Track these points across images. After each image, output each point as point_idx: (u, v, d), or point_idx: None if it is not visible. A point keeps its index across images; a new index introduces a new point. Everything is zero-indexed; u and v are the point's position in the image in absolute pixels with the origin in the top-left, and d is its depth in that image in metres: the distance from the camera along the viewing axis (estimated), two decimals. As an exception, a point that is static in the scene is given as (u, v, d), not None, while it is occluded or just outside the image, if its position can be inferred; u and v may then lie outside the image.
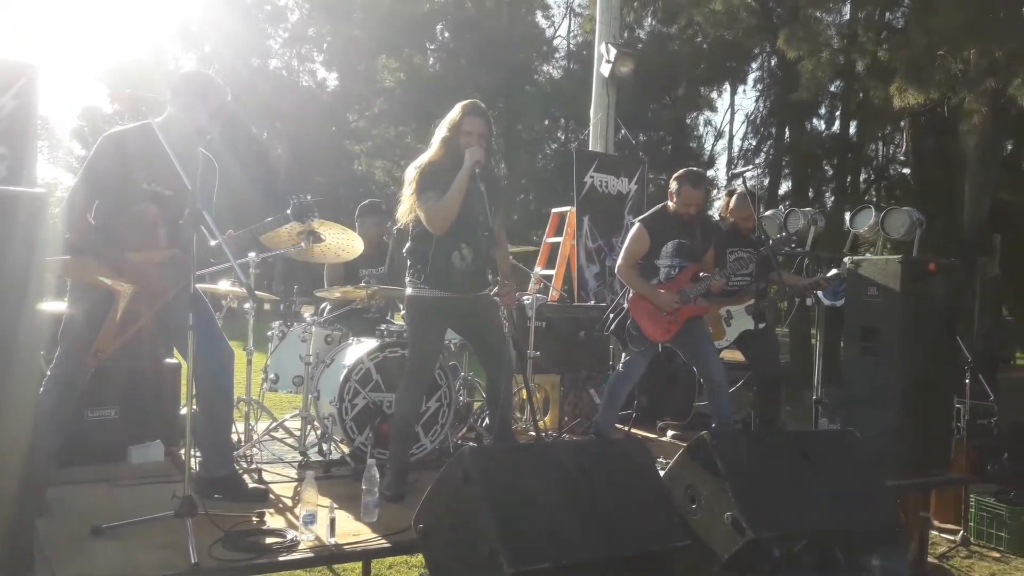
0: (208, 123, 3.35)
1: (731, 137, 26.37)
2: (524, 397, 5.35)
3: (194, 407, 3.28)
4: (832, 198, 17.38)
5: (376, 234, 5.28)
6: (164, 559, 2.75)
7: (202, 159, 3.46)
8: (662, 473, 3.14)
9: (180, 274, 3.16)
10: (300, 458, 4.26)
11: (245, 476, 3.75)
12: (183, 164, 3.15)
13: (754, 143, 21.48)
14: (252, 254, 4.28)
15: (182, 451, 3.64)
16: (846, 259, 4.81)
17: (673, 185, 4.65)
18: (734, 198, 5.24)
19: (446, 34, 27.15)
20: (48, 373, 3.20)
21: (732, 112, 28.07)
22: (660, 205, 4.80)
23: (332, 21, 27.90)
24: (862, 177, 18.37)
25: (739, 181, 5.12)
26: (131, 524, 3.01)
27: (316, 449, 4.36)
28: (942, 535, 5.32)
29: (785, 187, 18.72)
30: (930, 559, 4.72)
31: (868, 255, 5.17)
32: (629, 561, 2.73)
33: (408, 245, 3.86)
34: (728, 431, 4.48)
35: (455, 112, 3.75)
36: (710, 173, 22.36)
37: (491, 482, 2.54)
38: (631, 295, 4.67)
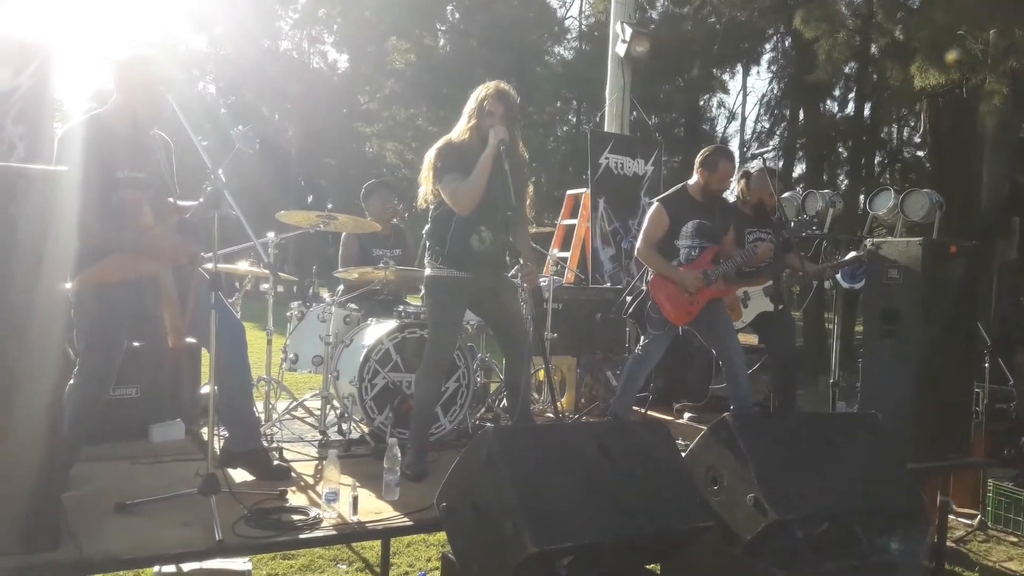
0: (149, 107, 3.28)
1: (744, 119, 26.20)
2: (542, 379, 5.36)
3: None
4: (846, 181, 17.27)
5: (386, 212, 5.28)
6: (189, 536, 2.76)
7: (159, 140, 3.44)
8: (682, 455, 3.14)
9: (196, 234, 3.18)
10: (320, 437, 4.27)
11: (270, 454, 3.76)
12: (141, 148, 3.16)
13: (768, 125, 21.33)
14: (271, 234, 4.29)
15: (204, 430, 3.66)
16: (866, 241, 4.77)
17: (707, 163, 4.58)
18: (755, 174, 5.20)
19: (456, 15, 27.03)
20: (73, 377, 3.19)
21: (745, 94, 27.87)
22: (679, 185, 4.77)
23: (342, 2, 27.80)
24: (876, 160, 18.23)
25: (758, 162, 5.08)
26: (154, 501, 3.02)
27: (336, 428, 4.38)
28: (959, 519, 5.31)
29: (800, 169, 18.60)
30: (947, 543, 4.71)
31: (888, 237, 5.11)
32: (652, 541, 2.74)
33: (427, 227, 3.85)
34: (748, 413, 4.47)
35: (480, 93, 3.73)
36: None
37: (514, 462, 2.55)
38: (651, 277, 4.65)
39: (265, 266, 3.18)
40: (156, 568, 3.48)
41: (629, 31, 7.62)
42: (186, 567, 3.45)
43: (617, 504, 2.63)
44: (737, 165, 5.21)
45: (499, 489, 2.50)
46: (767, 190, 5.01)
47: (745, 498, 2.85)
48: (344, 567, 4.31)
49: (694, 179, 4.66)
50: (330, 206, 31.80)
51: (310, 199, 31.42)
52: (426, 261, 3.86)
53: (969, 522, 5.25)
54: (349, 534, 3.03)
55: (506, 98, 3.70)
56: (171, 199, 3.38)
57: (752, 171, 5.25)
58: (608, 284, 7.26)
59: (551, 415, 5.16)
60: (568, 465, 2.67)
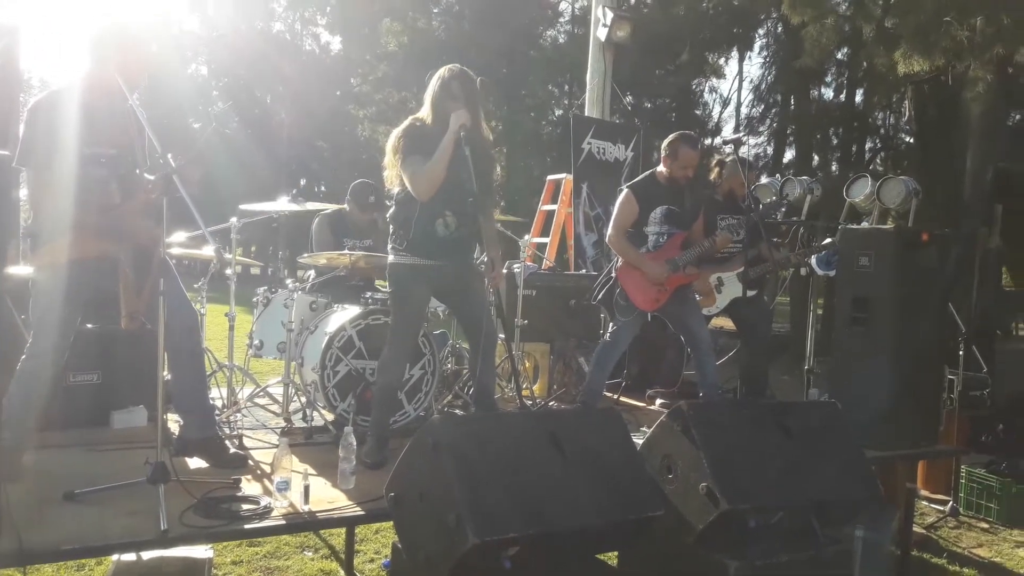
0: (127, 78, 3.16)
1: (739, 105, 26.06)
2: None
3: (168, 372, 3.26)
4: (837, 168, 17.20)
5: (365, 216, 5.21)
6: (134, 525, 2.72)
7: (133, 113, 3.29)
8: (641, 442, 3.11)
9: (158, 215, 3.11)
10: (283, 425, 4.25)
11: (226, 442, 3.73)
12: (114, 121, 3.07)
13: (760, 111, 21.21)
14: (233, 219, 4.24)
15: (167, 416, 3.62)
16: (841, 226, 4.74)
17: (668, 149, 4.57)
18: (728, 164, 5.18)
19: (450, -3, 26.79)
20: (25, 352, 3.14)
21: (740, 80, 27.58)
22: (649, 171, 4.74)
23: (335, -16, 27.57)
24: (868, 146, 18.16)
25: (730, 147, 5.04)
26: (105, 490, 2.98)
27: (300, 416, 4.35)
28: (932, 506, 5.31)
29: (789, 155, 18.53)
30: (918, 529, 4.70)
31: (864, 224, 5.06)
32: (600, 530, 2.72)
33: (391, 210, 3.79)
34: (711, 400, 4.46)
35: (442, 74, 3.67)
36: (716, 141, 22.09)
37: (460, 450, 2.51)
38: (620, 264, 4.63)
39: (214, 251, 3.12)
40: (115, 556, 3.45)
41: (610, 15, 7.54)
42: (145, 555, 3.42)
43: (565, 493, 2.61)
44: (726, 152, 5.18)
45: (443, 479, 2.47)
46: (738, 179, 4.99)
47: (698, 487, 2.83)
48: (310, 554, 4.29)
49: (661, 166, 4.63)
50: (322, 188, 31.70)
51: (302, 182, 31.30)
52: (389, 247, 3.80)
53: (941, 508, 5.25)
54: (299, 524, 2.99)
55: (467, 80, 3.64)
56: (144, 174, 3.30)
57: (726, 160, 5.23)
58: (589, 270, 7.22)
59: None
60: (516, 454, 2.63)
